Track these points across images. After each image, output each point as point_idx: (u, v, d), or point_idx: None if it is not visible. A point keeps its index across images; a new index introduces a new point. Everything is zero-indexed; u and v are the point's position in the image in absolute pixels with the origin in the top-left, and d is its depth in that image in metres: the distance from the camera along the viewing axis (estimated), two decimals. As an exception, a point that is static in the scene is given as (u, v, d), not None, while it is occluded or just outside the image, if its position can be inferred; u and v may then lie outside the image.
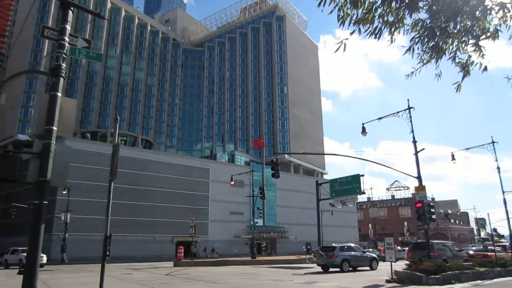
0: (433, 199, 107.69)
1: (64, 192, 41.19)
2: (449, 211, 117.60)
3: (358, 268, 26.15)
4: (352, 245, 29.01)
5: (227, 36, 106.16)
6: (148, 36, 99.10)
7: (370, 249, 45.80)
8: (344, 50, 4.81)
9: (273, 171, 28.34)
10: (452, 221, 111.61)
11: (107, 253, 9.07)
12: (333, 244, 28.07)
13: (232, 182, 45.76)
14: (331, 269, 25.40)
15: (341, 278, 20.44)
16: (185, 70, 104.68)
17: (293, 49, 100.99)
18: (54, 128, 7.32)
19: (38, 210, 6.92)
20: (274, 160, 29.16)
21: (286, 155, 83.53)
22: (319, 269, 26.42)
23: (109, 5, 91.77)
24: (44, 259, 31.51)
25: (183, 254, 35.86)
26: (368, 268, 26.41)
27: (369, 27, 4.84)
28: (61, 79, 7.75)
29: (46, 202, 7.06)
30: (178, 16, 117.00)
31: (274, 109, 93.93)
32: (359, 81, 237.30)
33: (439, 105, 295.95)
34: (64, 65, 7.88)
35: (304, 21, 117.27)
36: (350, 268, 25.07)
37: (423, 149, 23.13)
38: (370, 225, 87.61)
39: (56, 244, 42.77)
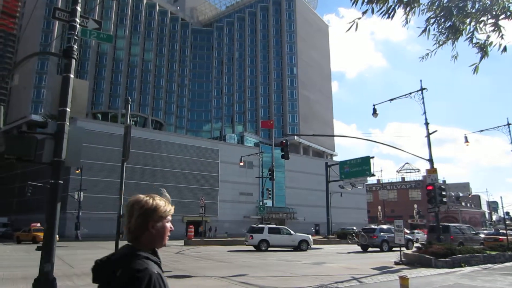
0: (444, 181, 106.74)
1: (77, 172, 41.91)
2: (461, 194, 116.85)
3: (394, 249, 26.93)
4: (385, 227, 29.72)
5: (236, 16, 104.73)
6: (157, 16, 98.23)
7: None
8: (356, 29, 4.73)
9: (283, 153, 28.37)
10: (463, 204, 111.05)
11: (121, 231, 9.28)
12: (372, 226, 30.00)
13: (241, 163, 45.95)
14: (370, 249, 27.38)
15: (352, 259, 20.81)
16: (194, 50, 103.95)
17: (303, 28, 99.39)
18: (68, 109, 7.38)
19: (54, 189, 7.05)
20: (284, 141, 29.16)
21: (295, 137, 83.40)
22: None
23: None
24: None
25: (193, 233, 36.49)
26: (404, 248, 27.04)
27: (382, 7, 4.73)
28: (73, 61, 7.77)
29: (62, 182, 7.20)
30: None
31: (283, 90, 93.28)
32: (365, 61, 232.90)
33: (447, 86, 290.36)
34: (75, 46, 7.88)
35: (314, 0, 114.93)
36: (388, 248, 26.56)
37: (435, 131, 22.83)
38: (379, 207, 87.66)
39: (71, 221, 43.89)
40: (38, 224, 36.04)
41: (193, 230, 36.54)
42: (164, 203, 1.92)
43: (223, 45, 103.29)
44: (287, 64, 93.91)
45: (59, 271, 11.59)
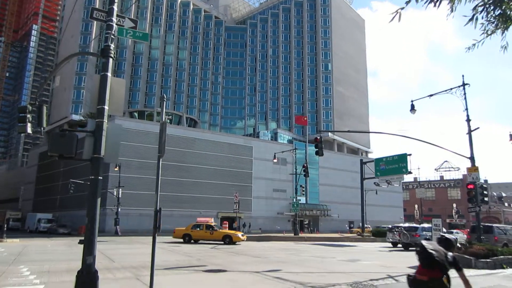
0: (485, 181, 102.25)
1: (116, 169, 43.41)
2: (503, 194, 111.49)
3: None
4: (427, 225, 29.56)
5: (270, 12, 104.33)
6: (191, 14, 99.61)
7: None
8: (399, 20, 4.51)
9: (317, 149, 28.00)
10: (506, 204, 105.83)
11: (158, 226, 9.44)
12: (414, 225, 30.83)
13: (275, 160, 45.88)
14: (411, 248, 26.61)
15: (390, 257, 20.43)
16: (227, 48, 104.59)
17: (339, 24, 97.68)
18: (106, 107, 7.58)
19: (94, 185, 7.27)
20: (318, 138, 28.79)
21: (329, 133, 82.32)
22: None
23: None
24: None
25: (228, 229, 36.82)
26: None
27: (427, -5, 4.47)
28: (111, 60, 7.93)
29: (101, 178, 7.41)
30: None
31: (317, 87, 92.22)
32: (401, 56, 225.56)
33: (489, 81, 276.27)
34: (112, 45, 8.05)
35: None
36: None
37: (478, 128, 21.69)
38: (416, 206, 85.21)
39: (110, 217, 45.48)
40: (211, 220, 30.27)
41: (227, 226, 36.92)
42: None
43: (257, 42, 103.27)
44: (321, 60, 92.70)
45: (100, 265, 12.02)
